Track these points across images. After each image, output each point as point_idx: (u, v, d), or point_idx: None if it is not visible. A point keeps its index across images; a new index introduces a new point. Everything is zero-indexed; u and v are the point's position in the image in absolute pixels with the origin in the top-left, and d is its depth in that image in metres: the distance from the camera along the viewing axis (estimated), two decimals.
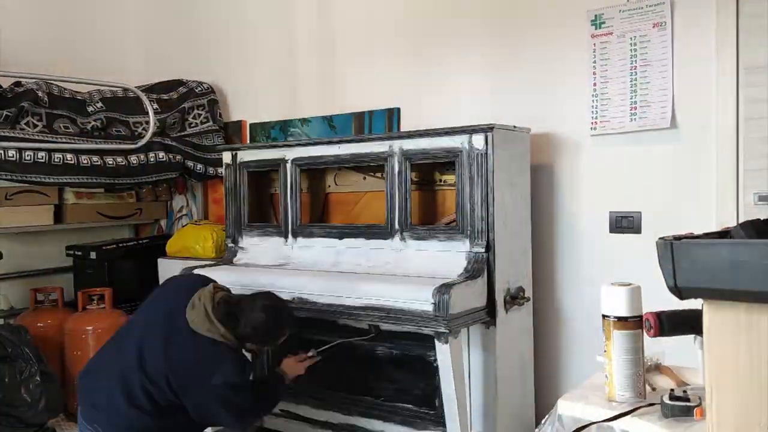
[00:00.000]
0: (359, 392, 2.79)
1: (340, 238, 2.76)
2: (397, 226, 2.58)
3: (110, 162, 3.50)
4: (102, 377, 2.28)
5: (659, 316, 1.51)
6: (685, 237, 1.21)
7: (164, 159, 3.65)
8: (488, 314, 2.40)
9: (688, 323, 1.51)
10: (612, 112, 2.63)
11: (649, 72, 2.54)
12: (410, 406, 2.64)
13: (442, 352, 2.25)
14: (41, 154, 3.26)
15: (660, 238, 1.21)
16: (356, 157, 2.72)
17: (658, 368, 1.75)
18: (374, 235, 2.65)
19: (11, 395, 2.98)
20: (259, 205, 3.25)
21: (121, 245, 3.79)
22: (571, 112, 2.73)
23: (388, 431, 2.70)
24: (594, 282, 2.61)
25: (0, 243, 3.51)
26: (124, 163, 3.54)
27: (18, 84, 3.45)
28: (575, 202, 2.75)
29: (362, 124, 3.32)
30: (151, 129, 3.59)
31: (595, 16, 2.66)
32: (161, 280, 3.52)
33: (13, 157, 3.17)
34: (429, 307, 2.22)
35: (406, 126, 3.17)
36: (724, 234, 1.31)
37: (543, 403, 2.64)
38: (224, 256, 3.16)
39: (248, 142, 3.80)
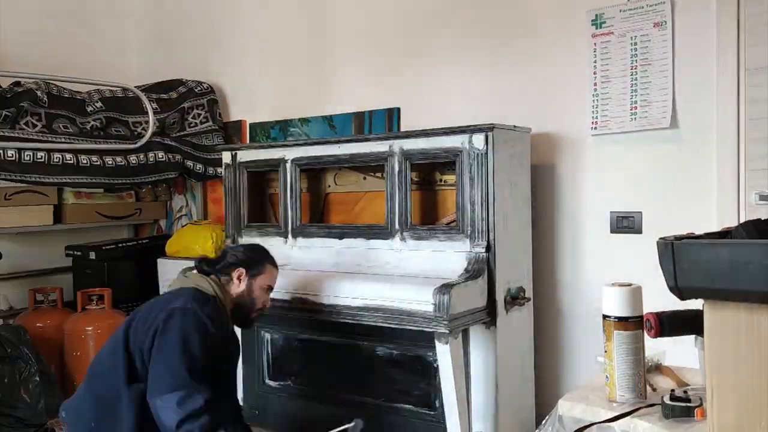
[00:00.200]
0: (359, 393, 2.79)
1: (340, 238, 2.75)
2: (397, 226, 2.58)
3: (110, 162, 3.49)
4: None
5: (660, 316, 1.51)
6: (686, 237, 1.21)
7: (164, 159, 3.64)
8: (489, 314, 2.39)
9: (688, 324, 1.51)
10: (612, 112, 2.62)
11: (650, 72, 2.54)
12: (410, 406, 2.63)
13: (443, 353, 2.25)
14: (40, 154, 3.26)
15: (661, 239, 1.21)
16: (356, 157, 2.71)
17: (658, 369, 1.75)
18: (374, 235, 2.65)
19: (11, 395, 2.98)
20: (259, 205, 3.24)
21: (120, 245, 3.78)
22: (572, 111, 2.73)
23: None
24: (594, 282, 2.62)
25: None
26: (123, 163, 3.53)
27: (17, 84, 3.45)
28: (576, 202, 2.75)
29: (362, 124, 3.31)
30: (151, 129, 3.59)
31: (596, 15, 2.65)
32: (161, 280, 3.53)
33: (12, 157, 3.17)
34: (429, 308, 2.21)
35: (406, 126, 3.16)
36: (725, 234, 1.31)
37: (543, 404, 2.63)
38: None
39: (248, 142, 3.80)
